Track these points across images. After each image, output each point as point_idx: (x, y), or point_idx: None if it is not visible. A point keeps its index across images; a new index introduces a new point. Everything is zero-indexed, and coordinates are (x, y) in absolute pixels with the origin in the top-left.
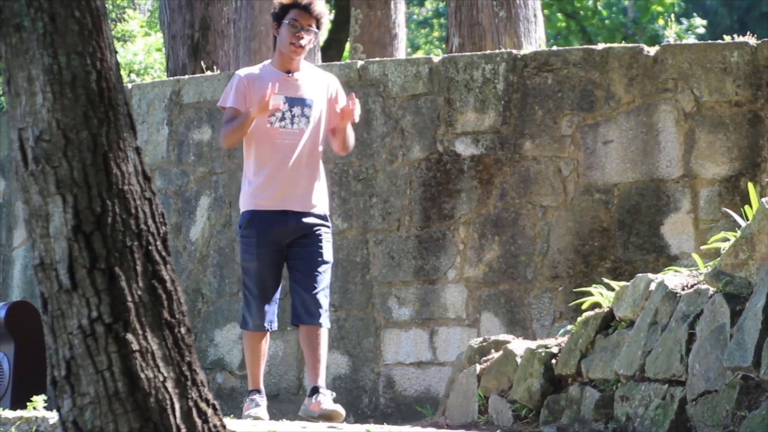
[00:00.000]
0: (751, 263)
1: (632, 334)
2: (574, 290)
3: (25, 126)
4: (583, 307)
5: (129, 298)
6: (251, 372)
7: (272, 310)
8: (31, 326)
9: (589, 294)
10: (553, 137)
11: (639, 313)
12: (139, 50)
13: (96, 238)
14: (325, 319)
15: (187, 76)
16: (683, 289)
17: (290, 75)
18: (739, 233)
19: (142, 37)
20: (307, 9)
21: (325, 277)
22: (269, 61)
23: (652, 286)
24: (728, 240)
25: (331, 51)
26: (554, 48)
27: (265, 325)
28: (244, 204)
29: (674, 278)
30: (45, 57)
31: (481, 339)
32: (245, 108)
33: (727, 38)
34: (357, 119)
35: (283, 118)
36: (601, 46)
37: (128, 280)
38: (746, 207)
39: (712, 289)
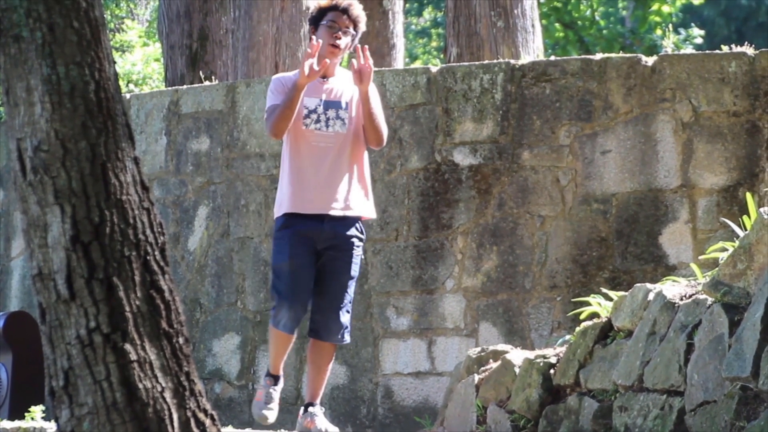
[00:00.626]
0: (749, 273)
1: (630, 344)
2: (572, 300)
3: (24, 136)
4: (582, 317)
5: (127, 308)
6: (273, 359)
7: (304, 313)
8: (29, 336)
9: (588, 304)
10: (551, 147)
11: (637, 323)
12: (138, 60)
13: (94, 248)
14: (345, 337)
15: (185, 86)
16: (681, 299)
17: (325, 79)
18: (737, 243)
19: (141, 48)
20: (345, 11)
21: (348, 292)
22: None
23: (651, 296)
24: (726, 250)
25: None
26: (552, 58)
27: (295, 326)
28: (280, 208)
29: (672, 288)
30: (44, 67)
31: (479, 349)
32: None
33: (725, 48)
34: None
35: (318, 121)
36: (599, 56)
37: (126, 290)
38: (744, 217)
39: (710, 299)
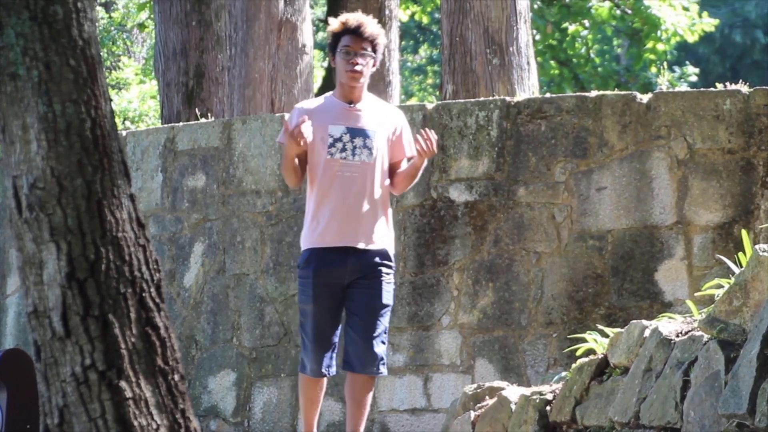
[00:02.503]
0: (745, 310)
1: (627, 381)
2: (568, 336)
3: (20, 174)
4: (578, 353)
5: (122, 346)
6: (306, 419)
7: (330, 355)
8: (24, 374)
9: (584, 340)
10: (546, 184)
11: (633, 360)
12: (134, 98)
13: (90, 285)
14: (380, 369)
15: (181, 124)
16: (678, 336)
17: (352, 105)
18: (732, 280)
19: (137, 85)
20: (358, 33)
21: (382, 322)
22: (331, 92)
23: (647, 333)
24: (722, 287)
25: None
26: (547, 95)
27: (323, 370)
28: (305, 241)
29: (668, 325)
30: (40, 105)
31: (475, 385)
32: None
33: (720, 86)
34: (411, 150)
35: (344, 150)
36: (594, 93)
37: (122, 327)
38: (740, 254)
39: (706, 336)
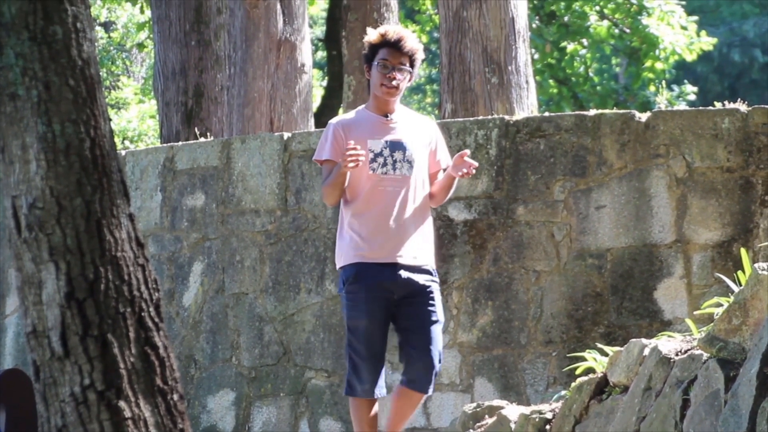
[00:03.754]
0: (744, 329)
1: (626, 400)
2: (567, 355)
3: (19, 194)
4: (577, 372)
5: (122, 365)
6: None
7: (382, 374)
8: (23, 394)
9: (583, 359)
10: (545, 202)
11: (633, 379)
12: (133, 117)
13: (89, 305)
14: (432, 387)
15: (180, 143)
16: (677, 355)
17: (388, 118)
18: (732, 299)
19: (136, 105)
20: (397, 46)
21: (438, 338)
22: (364, 105)
23: (646, 352)
24: (721, 305)
25: (324, 117)
26: (546, 114)
27: (376, 391)
28: (346, 257)
29: (668, 343)
30: (39, 125)
31: (474, 404)
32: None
33: (718, 105)
34: (446, 161)
35: (385, 164)
36: (592, 112)
37: (121, 347)
38: (739, 272)
39: (705, 355)
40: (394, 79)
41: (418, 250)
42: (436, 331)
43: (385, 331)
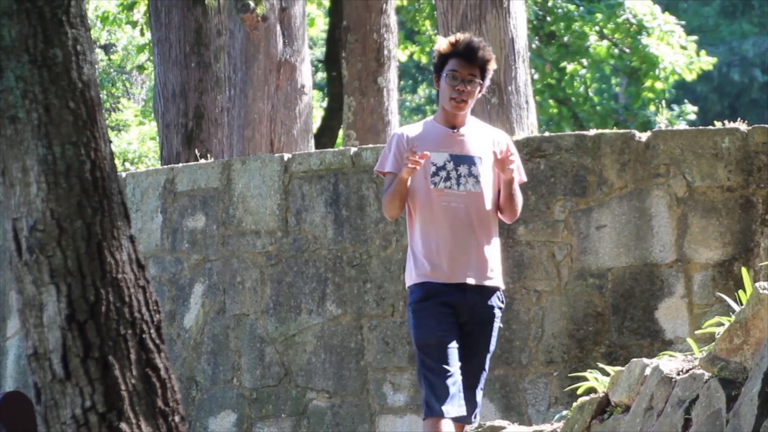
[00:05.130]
0: (746, 348)
1: (628, 420)
2: (569, 375)
3: (20, 216)
4: (579, 392)
5: (123, 387)
6: None
7: (461, 392)
8: (24, 417)
9: (585, 379)
10: (546, 222)
11: (634, 398)
12: (134, 139)
13: (90, 327)
14: (476, 418)
15: (181, 165)
16: (678, 374)
17: (455, 131)
18: (733, 318)
19: (137, 126)
20: (467, 57)
21: (485, 368)
22: (432, 117)
23: (648, 371)
24: (723, 325)
25: (324, 138)
26: (546, 134)
27: (458, 408)
28: (413, 277)
29: (669, 363)
30: (39, 147)
31: (476, 425)
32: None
33: (718, 124)
34: (520, 176)
35: (448, 179)
36: (592, 131)
37: (122, 369)
38: (740, 292)
39: (707, 374)
40: (464, 91)
41: (485, 271)
42: (487, 362)
43: (458, 348)
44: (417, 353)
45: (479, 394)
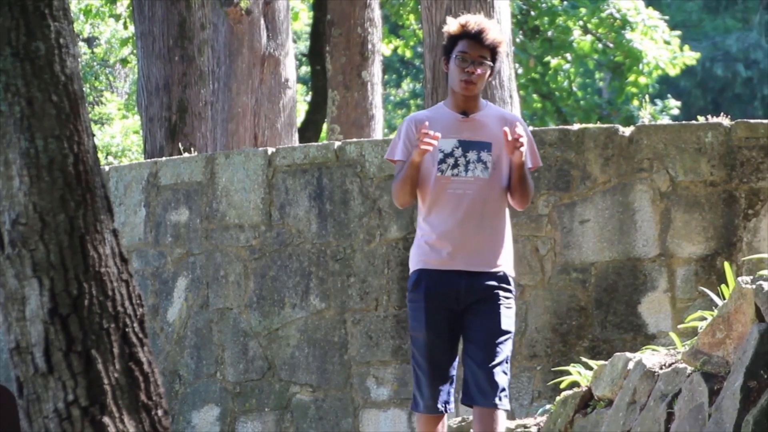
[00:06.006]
0: (728, 342)
1: (611, 414)
2: (552, 369)
3: (2, 210)
4: (562, 386)
5: (105, 381)
6: None
7: (447, 389)
8: (6, 411)
9: (568, 373)
10: (529, 217)
11: (617, 392)
12: (117, 133)
13: (72, 321)
14: (503, 400)
15: (164, 158)
16: (661, 368)
17: (465, 116)
18: (716, 312)
19: (120, 120)
20: (477, 38)
21: (503, 349)
22: (444, 102)
23: (630, 365)
24: (705, 319)
25: (308, 132)
26: (530, 128)
27: (439, 406)
28: (413, 263)
29: (652, 357)
30: (22, 141)
31: (459, 419)
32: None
33: (701, 119)
34: (534, 161)
35: (456, 165)
36: (576, 126)
37: (105, 363)
38: (723, 286)
39: (690, 368)
40: (474, 73)
41: (490, 257)
42: (502, 342)
43: (450, 343)
44: (411, 343)
45: (499, 375)
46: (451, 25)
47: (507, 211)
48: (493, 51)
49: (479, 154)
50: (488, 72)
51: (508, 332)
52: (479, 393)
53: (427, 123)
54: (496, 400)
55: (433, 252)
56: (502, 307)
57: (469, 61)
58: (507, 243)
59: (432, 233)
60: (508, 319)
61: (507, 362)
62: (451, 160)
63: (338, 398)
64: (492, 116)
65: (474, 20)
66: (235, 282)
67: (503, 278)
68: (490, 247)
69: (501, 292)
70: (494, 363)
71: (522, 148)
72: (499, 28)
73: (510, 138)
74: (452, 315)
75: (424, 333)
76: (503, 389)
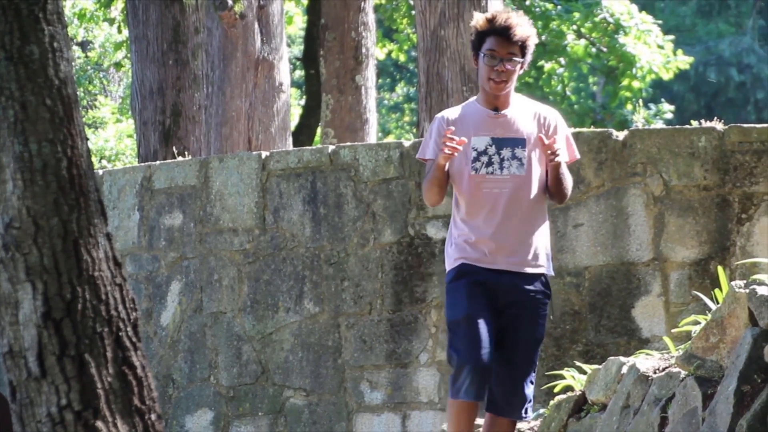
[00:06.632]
0: (722, 346)
1: (605, 418)
2: (546, 373)
3: None
4: (556, 390)
5: (99, 385)
6: None
7: (488, 377)
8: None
9: (562, 377)
10: None
11: (611, 397)
12: (111, 136)
13: (66, 325)
14: (528, 413)
15: (158, 162)
16: (655, 373)
17: (497, 112)
18: (709, 316)
19: (114, 124)
20: (505, 35)
21: (533, 359)
22: (474, 98)
23: (624, 370)
24: (699, 323)
25: (302, 136)
26: None
27: (479, 392)
28: (451, 260)
29: (646, 361)
30: (16, 145)
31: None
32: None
33: (695, 123)
34: (572, 154)
35: (490, 163)
36: (570, 130)
37: (98, 367)
38: (716, 290)
39: (683, 373)
40: (503, 71)
41: (530, 258)
42: (534, 352)
43: (491, 328)
44: (448, 332)
45: (528, 387)
46: (478, 21)
47: (546, 207)
48: (522, 46)
49: (513, 151)
50: (519, 67)
51: (539, 341)
52: (507, 405)
53: (453, 128)
54: (522, 413)
55: (473, 251)
56: (539, 315)
57: (498, 59)
58: (546, 241)
59: (471, 233)
60: (542, 327)
61: (534, 371)
62: (485, 158)
63: (332, 402)
64: (525, 110)
65: (502, 15)
66: (228, 286)
67: (543, 282)
68: (530, 246)
69: (540, 298)
70: (525, 375)
71: (558, 156)
72: (527, 19)
73: (546, 143)
74: (493, 305)
75: (465, 314)
76: (530, 401)
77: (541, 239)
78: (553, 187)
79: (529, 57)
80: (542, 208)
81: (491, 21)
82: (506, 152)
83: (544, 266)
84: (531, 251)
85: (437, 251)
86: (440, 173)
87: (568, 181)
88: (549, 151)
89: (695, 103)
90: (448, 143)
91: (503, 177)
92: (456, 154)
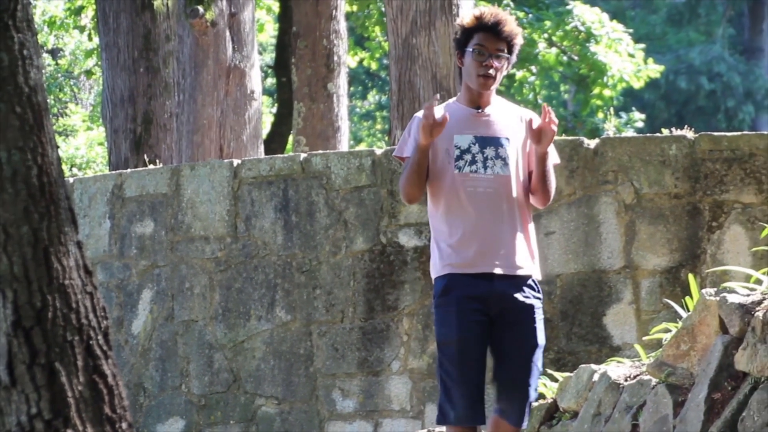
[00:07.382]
0: (692, 354)
1: (576, 425)
2: None
3: None
4: None
5: (69, 394)
6: None
7: (480, 398)
8: None
9: None
10: None
11: (582, 404)
12: (81, 144)
13: (36, 333)
14: (530, 420)
15: (129, 170)
16: (626, 380)
17: (480, 111)
18: (680, 324)
19: (84, 132)
20: (494, 31)
21: (536, 366)
22: (455, 98)
23: (596, 377)
24: (670, 331)
25: (274, 144)
26: None
27: (474, 416)
28: (436, 270)
29: (617, 369)
30: None
31: (425, 431)
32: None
33: (666, 131)
34: (555, 156)
35: (473, 162)
36: None
37: (69, 376)
38: (687, 298)
39: (654, 380)
40: (491, 67)
41: (517, 259)
42: (537, 357)
43: (481, 349)
44: (437, 352)
45: (533, 394)
46: (466, 17)
47: (530, 209)
48: (509, 43)
49: (497, 150)
50: (505, 65)
51: (540, 345)
52: (514, 413)
53: (437, 99)
54: (522, 420)
55: (457, 255)
56: (536, 320)
57: (487, 55)
58: (533, 242)
59: (452, 235)
60: (541, 331)
61: (538, 377)
62: (468, 157)
63: (304, 410)
64: (507, 111)
65: (490, 12)
66: (200, 294)
67: (533, 286)
68: (516, 247)
69: (534, 303)
70: (528, 382)
71: (556, 123)
72: (514, 18)
73: (546, 119)
74: (484, 320)
75: (456, 339)
76: (530, 405)
77: (527, 241)
78: (537, 185)
79: (514, 57)
80: (527, 209)
81: (479, 18)
82: (490, 151)
83: (533, 268)
84: (517, 253)
85: (409, 259)
86: (422, 157)
87: (553, 181)
88: (538, 134)
89: (666, 111)
90: (426, 111)
91: (487, 176)
92: (440, 129)
